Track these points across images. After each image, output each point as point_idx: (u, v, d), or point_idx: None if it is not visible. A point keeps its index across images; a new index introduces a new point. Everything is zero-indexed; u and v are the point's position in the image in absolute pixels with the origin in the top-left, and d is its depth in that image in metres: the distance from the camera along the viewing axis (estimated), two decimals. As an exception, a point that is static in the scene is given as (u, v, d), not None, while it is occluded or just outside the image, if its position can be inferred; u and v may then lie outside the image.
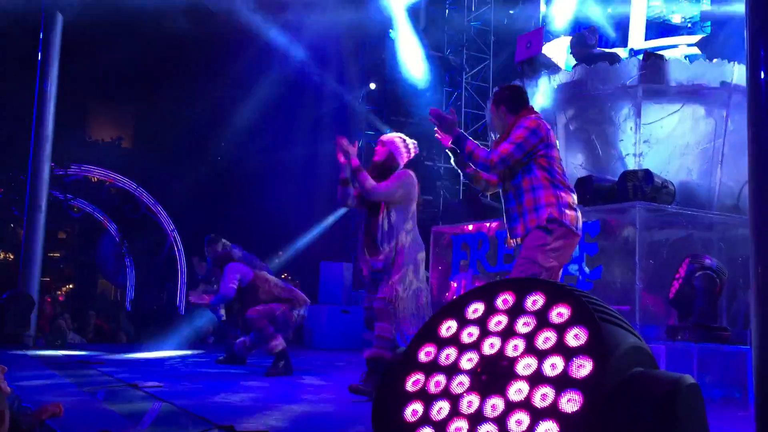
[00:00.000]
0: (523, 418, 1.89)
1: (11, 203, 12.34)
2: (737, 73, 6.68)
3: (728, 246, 6.18)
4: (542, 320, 2.08)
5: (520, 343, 2.06)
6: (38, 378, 5.61)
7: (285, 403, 4.47)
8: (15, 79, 11.82)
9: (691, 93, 6.81)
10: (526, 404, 1.91)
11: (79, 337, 9.95)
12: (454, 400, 2.04)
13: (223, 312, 7.09)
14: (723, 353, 4.90)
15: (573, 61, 7.85)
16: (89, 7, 9.81)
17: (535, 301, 2.14)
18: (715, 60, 7.00)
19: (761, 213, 2.78)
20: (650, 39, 8.56)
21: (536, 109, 4.22)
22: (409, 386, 2.13)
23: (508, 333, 2.11)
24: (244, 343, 6.81)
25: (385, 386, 2.23)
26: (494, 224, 6.96)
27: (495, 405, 1.96)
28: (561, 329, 2.02)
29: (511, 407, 1.93)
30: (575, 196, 3.96)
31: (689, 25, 8.48)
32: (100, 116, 19.17)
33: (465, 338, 2.18)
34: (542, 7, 9.81)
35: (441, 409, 2.04)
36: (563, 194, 3.86)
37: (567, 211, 3.82)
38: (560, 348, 1.98)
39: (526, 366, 1.99)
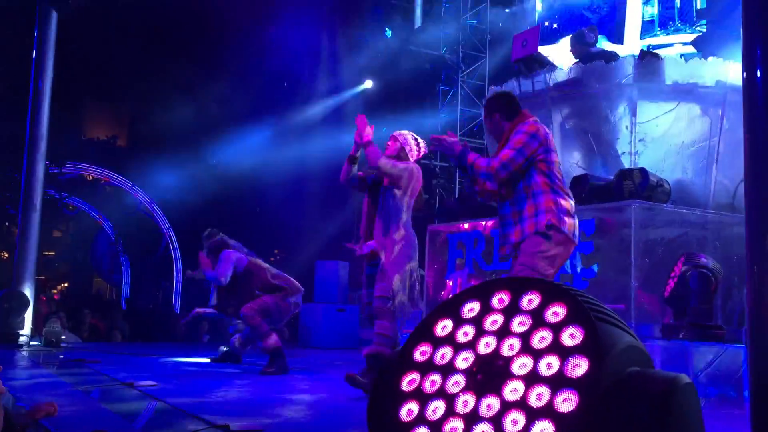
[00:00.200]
0: (518, 417, 1.89)
1: (6, 201, 12.31)
2: (733, 72, 6.69)
3: (723, 245, 6.20)
4: (538, 319, 2.07)
5: (516, 343, 2.06)
6: (33, 377, 5.60)
7: (280, 402, 4.46)
8: (9, 77, 11.78)
9: (687, 92, 6.82)
10: (521, 404, 1.91)
11: (74, 336, 9.92)
12: (450, 399, 2.04)
13: (215, 299, 7.09)
14: (718, 352, 4.91)
15: (569, 60, 7.85)
16: (84, 5, 9.79)
17: (530, 300, 2.13)
18: (710, 58, 7.01)
19: (756, 212, 2.78)
20: (645, 37, 8.59)
21: (531, 108, 4.22)
22: (405, 386, 2.13)
23: (503, 332, 2.11)
24: (239, 340, 6.85)
25: (381, 385, 2.23)
26: (490, 223, 6.96)
27: (490, 405, 1.95)
28: (557, 328, 2.02)
29: (506, 407, 1.93)
30: (573, 203, 3.93)
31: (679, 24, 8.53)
32: (96, 114, 19.12)
33: (460, 337, 2.17)
34: (538, 6, 9.82)
35: (436, 408, 2.03)
36: (562, 201, 3.84)
37: (565, 218, 3.80)
38: (556, 347, 1.98)
39: (521, 365, 1.99)
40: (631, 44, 8.43)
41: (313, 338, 10.27)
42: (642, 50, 7.39)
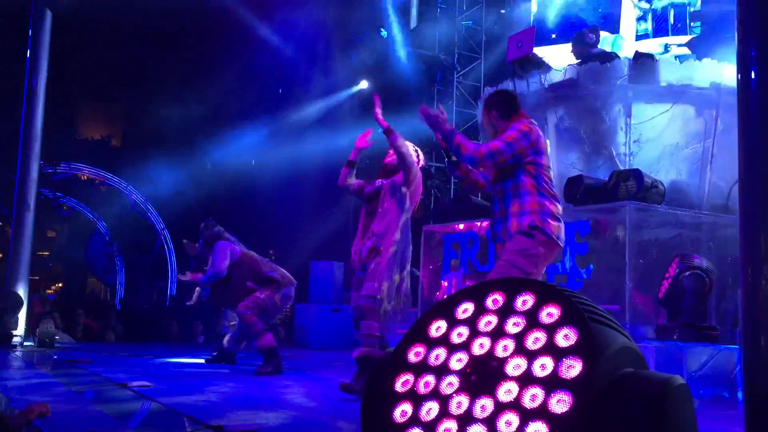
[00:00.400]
0: (512, 419, 1.89)
1: (-1, 201, 12.28)
2: (727, 74, 6.70)
3: (718, 246, 6.21)
4: (532, 320, 2.07)
5: (510, 344, 2.05)
6: (26, 377, 5.58)
7: (275, 402, 4.45)
8: (2, 77, 11.74)
9: (681, 93, 6.83)
10: (515, 405, 1.91)
11: (68, 336, 9.89)
12: (444, 400, 2.03)
13: (209, 291, 7.11)
14: (712, 353, 4.91)
15: (564, 61, 7.86)
16: (79, 5, 9.76)
17: (525, 301, 2.13)
18: (705, 60, 7.02)
19: (750, 213, 2.79)
20: (641, 39, 8.62)
21: (527, 108, 4.23)
22: (399, 387, 2.13)
23: (497, 333, 2.11)
24: (231, 339, 6.88)
25: (374, 386, 2.22)
26: (485, 223, 6.95)
27: (484, 406, 1.95)
28: (551, 329, 2.02)
29: (500, 408, 1.92)
30: (560, 207, 3.95)
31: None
32: (90, 114, 19.08)
33: (455, 338, 2.17)
34: (533, 7, 9.83)
35: (430, 409, 2.03)
36: (548, 203, 3.85)
37: (550, 221, 3.81)
38: (550, 348, 1.98)
39: (515, 366, 1.99)
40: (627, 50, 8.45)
41: (308, 338, 10.26)
42: (637, 51, 7.40)
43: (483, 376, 2.02)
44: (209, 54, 15.49)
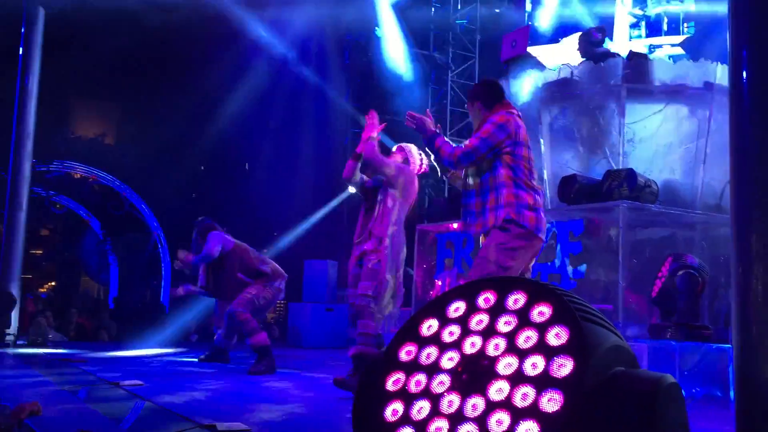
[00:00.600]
0: (503, 417, 1.88)
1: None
2: (720, 74, 6.72)
3: (710, 245, 6.23)
4: (523, 319, 2.07)
5: (501, 342, 2.05)
6: (18, 376, 5.56)
7: (268, 401, 4.44)
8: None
9: (675, 93, 6.84)
10: (506, 404, 1.90)
11: (61, 335, 9.86)
12: (435, 399, 2.03)
13: (203, 281, 7.19)
14: (704, 352, 4.93)
15: (558, 61, 7.86)
16: (72, 2, 9.72)
17: (516, 299, 2.13)
18: (698, 60, 7.04)
19: (743, 212, 2.79)
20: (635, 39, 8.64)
21: (520, 108, 4.22)
22: (390, 385, 2.12)
23: (489, 332, 2.10)
24: (223, 335, 6.92)
25: (366, 385, 2.22)
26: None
27: (475, 405, 1.95)
28: (542, 328, 2.01)
29: (491, 407, 1.92)
30: (539, 198, 3.91)
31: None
32: (83, 112, 19.02)
33: (446, 337, 2.17)
34: (528, 6, 9.84)
35: (421, 408, 2.03)
36: (524, 194, 3.82)
37: (526, 212, 3.78)
38: (541, 347, 1.97)
39: (507, 365, 1.98)
40: (619, 46, 8.47)
41: (301, 338, 10.25)
42: (631, 51, 7.42)
43: (474, 374, 2.02)
44: (203, 52, 15.45)
